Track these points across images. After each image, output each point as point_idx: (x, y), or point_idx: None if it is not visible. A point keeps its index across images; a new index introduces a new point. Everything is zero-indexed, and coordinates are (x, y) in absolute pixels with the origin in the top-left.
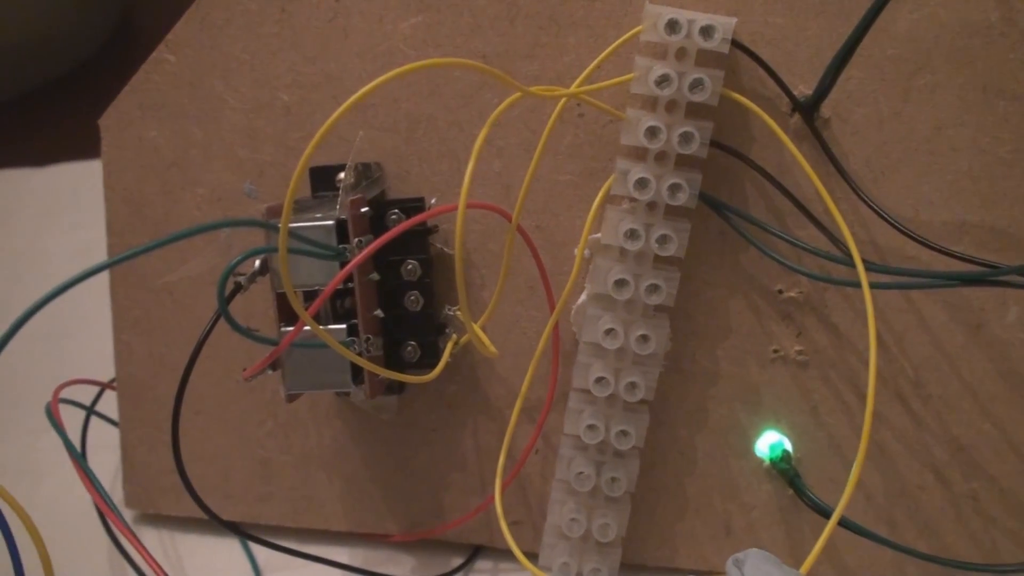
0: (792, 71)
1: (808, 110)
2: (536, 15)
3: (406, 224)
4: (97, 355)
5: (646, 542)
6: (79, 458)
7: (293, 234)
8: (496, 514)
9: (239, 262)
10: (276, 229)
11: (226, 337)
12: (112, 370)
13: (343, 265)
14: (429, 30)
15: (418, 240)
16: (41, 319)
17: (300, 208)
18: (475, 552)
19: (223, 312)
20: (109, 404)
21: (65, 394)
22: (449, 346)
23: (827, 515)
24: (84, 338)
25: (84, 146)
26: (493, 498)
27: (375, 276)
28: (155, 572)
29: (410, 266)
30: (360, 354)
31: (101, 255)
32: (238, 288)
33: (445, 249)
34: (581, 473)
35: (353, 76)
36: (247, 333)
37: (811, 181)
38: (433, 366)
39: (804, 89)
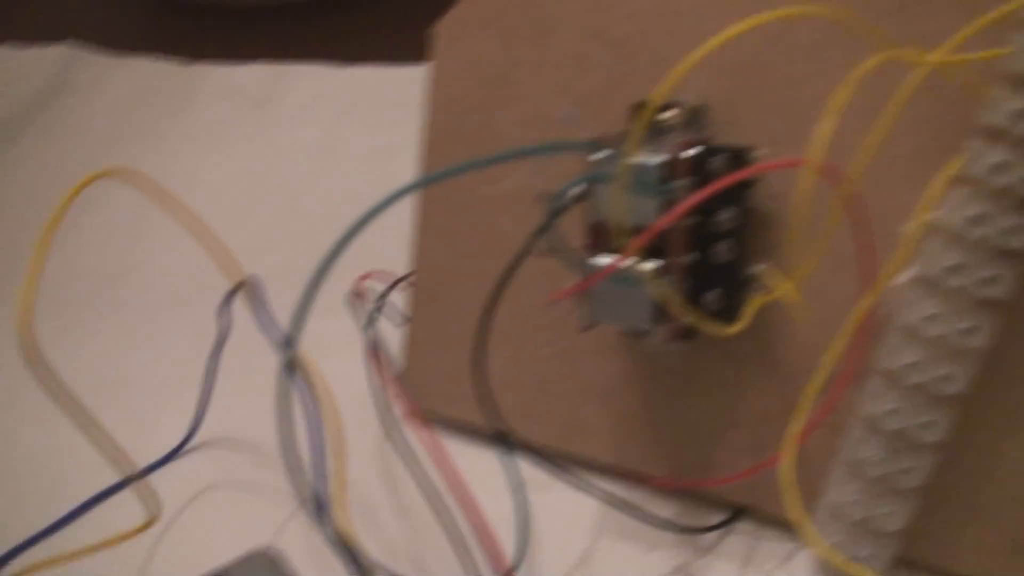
0: None
1: None
2: None
3: (742, 173)
4: (386, 247)
5: (925, 539)
6: (371, 346)
7: (620, 170)
8: (768, 479)
9: (573, 187)
10: (610, 161)
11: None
12: (399, 266)
13: (668, 205)
14: None
15: (738, 189)
16: (341, 208)
17: (618, 143)
18: (737, 513)
19: (545, 231)
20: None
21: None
22: (755, 302)
23: None
24: (378, 228)
25: (383, 51)
26: (771, 461)
27: (693, 220)
28: (434, 462)
29: (727, 215)
30: (668, 296)
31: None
32: (557, 213)
33: (764, 203)
34: (871, 457)
35: (692, 14)
36: (568, 258)
37: None
38: (730, 319)
39: None
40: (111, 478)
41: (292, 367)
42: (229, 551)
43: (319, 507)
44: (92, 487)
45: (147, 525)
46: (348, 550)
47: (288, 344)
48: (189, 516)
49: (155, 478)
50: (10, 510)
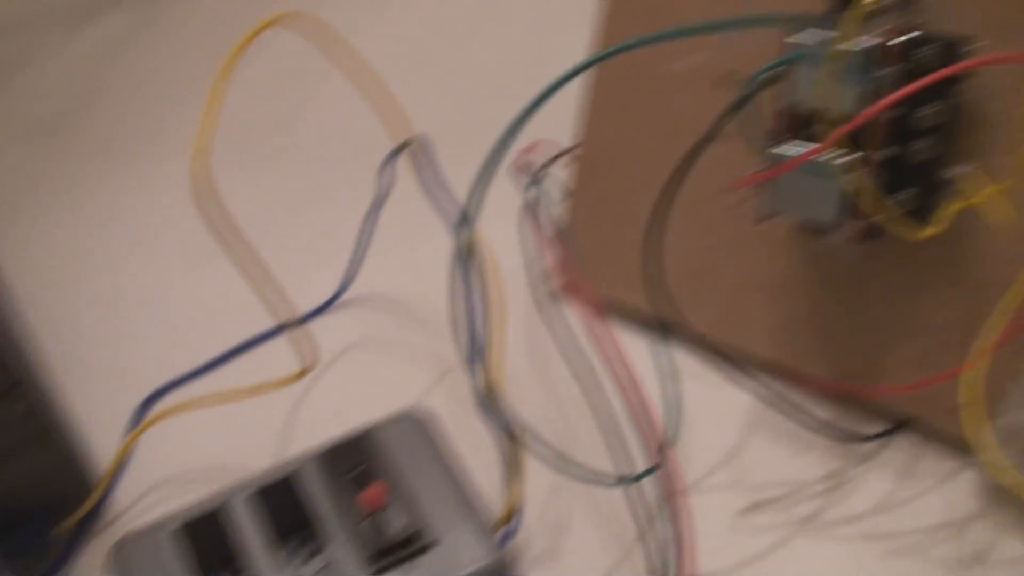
0: None
1: None
2: None
3: (959, 66)
4: (550, 116)
5: None
6: (530, 217)
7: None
8: (939, 393)
9: (770, 68)
10: (813, 42)
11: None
12: (564, 136)
13: (871, 94)
14: None
15: (947, 83)
16: (511, 74)
17: (822, 22)
18: (899, 424)
19: (737, 112)
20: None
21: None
22: (954, 205)
23: None
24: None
25: None
26: (947, 375)
27: (895, 112)
28: (593, 336)
29: (931, 110)
30: (862, 191)
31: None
32: (750, 94)
33: (974, 100)
34: None
35: None
36: (757, 143)
37: None
38: (923, 219)
39: None
40: (265, 323)
41: (470, 248)
42: (377, 407)
43: (474, 369)
44: (248, 330)
45: (303, 373)
46: (500, 414)
47: (465, 221)
48: (339, 368)
49: (309, 328)
50: (168, 346)
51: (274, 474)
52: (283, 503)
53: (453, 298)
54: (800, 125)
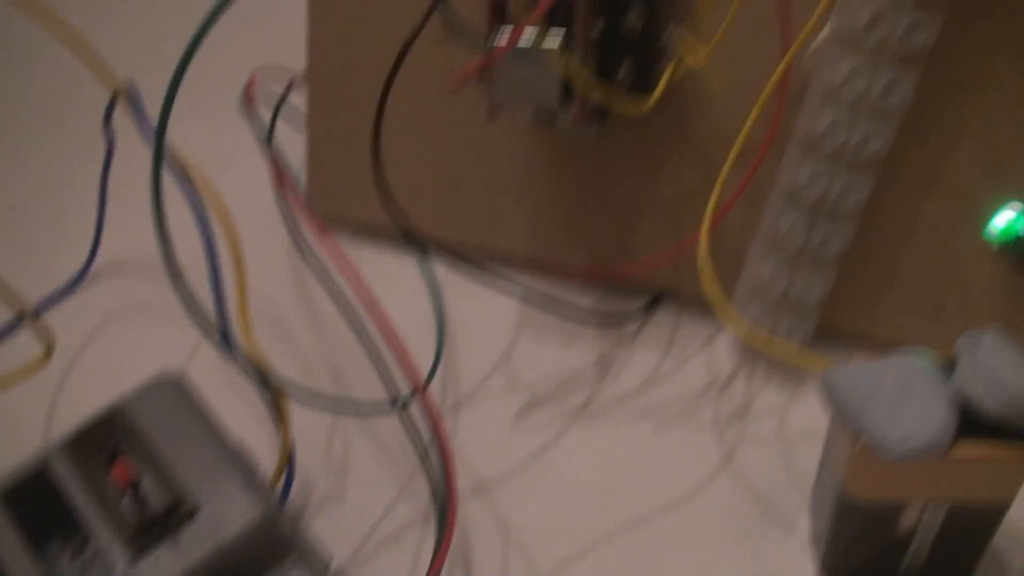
0: None
1: None
2: None
3: None
4: (290, 41)
5: (845, 307)
6: (273, 155)
7: None
8: (690, 259)
9: None
10: None
11: (424, 44)
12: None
13: None
14: None
15: None
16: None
17: None
18: (657, 298)
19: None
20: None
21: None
22: (668, 71)
23: None
24: (278, 21)
25: None
26: (692, 241)
27: None
28: (342, 269)
29: None
30: (574, 71)
31: None
32: None
33: None
34: (790, 228)
35: None
36: (468, 37)
37: None
38: (646, 91)
39: None
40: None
41: (158, 183)
42: (138, 379)
43: (222, 330)
44: None
45: (46, 356)
46: (255, 370)
47: (158, 154)
48: (95, 347)
49: (56, 311)
50: None
51: (23, 472)
52: (38, 500)
53: (171, 259)
54: (504, 13)
